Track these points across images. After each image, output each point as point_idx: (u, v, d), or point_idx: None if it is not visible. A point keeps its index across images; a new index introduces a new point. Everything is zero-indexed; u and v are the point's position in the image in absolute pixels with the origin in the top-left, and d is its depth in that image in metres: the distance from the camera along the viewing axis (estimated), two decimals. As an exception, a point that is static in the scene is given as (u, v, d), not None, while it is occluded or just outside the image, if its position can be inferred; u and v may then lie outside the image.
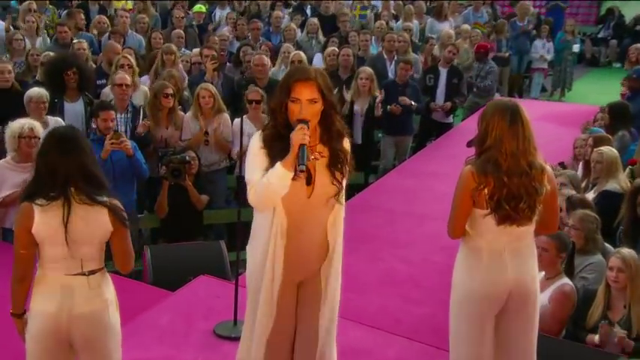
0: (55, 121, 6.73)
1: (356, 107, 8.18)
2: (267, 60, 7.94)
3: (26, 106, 6.66)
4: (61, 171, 3.25)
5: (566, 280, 4.70)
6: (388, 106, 8.48)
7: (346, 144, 3.52)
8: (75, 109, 7.07)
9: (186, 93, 7.84)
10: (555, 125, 10.08)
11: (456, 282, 3.81)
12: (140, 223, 6.85)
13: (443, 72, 9.54)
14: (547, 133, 9.67)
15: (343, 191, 3.51)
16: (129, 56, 7.67)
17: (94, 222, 3.30)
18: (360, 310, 5.26)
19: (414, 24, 12.78)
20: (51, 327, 3.32)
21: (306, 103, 3.30)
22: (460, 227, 3.74)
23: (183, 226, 6.54)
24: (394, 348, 4.75)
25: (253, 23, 10.49)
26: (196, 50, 8.95)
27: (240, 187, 7.16)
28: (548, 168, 3.68)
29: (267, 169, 3.32)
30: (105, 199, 3.33)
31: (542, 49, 13.87)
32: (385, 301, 5.45)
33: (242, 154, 6.62)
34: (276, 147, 3.33)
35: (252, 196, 3.39)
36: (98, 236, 3.34)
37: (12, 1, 12.59)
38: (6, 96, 7.21)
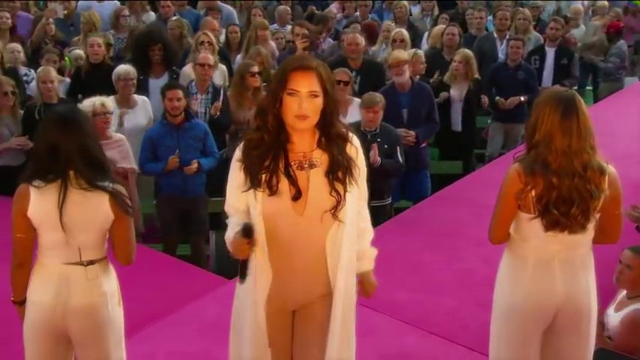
0: (142, 100, 6.85)
1: (453, 92, 7.72)
2: (361, 39, 7.62)
3: (115, 84, 6.82)
4: (61, 151, 3.18)
5: None
6: (497, 97, 8.05)
7: (351, 149, 3.07)
8: (158, 85, 7.10)
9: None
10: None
11: (497, 294, 3.51)
12: (218, 207, 6.82)
13: (550, 52, 8.85)
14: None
15: (347, 207, 3.02)
16: (209, 33, 7.63)
17: (92, 208, 3.22)
18: (426, 313, 5.02)
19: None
20: (46, 318, 3.29)
21: (306, 95, 2.88)
22: (502, 233, 3.43)
23: (257, 212, 6.44)
24: (449, 358, 4.48)
25: (362, -1, 10.29)
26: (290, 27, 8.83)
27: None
28: (610, 169, 3.28)
29: (242, 187, 2.98)
30: (106, 184, 3.25)
31: None
32: (456, 303, 5.15)
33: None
34: (255, 156, 2.96)
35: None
36: (97, 223, 3.26)
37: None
38: (96, 70, 7.43)
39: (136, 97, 6.84)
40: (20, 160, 6.45)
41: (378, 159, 6.05)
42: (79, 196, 3.19)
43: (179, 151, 5.88)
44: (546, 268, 3.34)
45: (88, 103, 5.99)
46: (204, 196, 6.13)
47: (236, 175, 3.02)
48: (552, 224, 3.23)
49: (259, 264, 3.04)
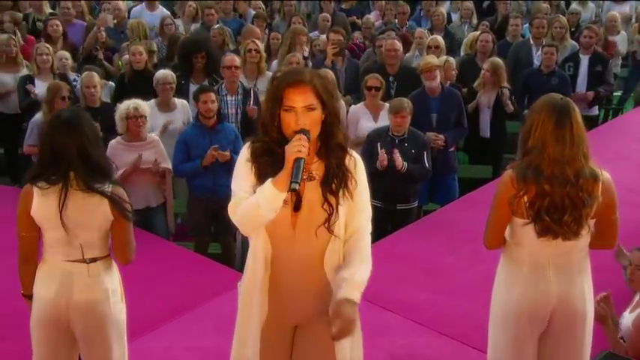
0: (181, 103, 6.93)
1: (481, 99, 7.59)
2: (399, 45, 7.58)
3: (155, 88, 6.91)
4: (63, 154, 3.22)
5: None
6: (525, 111, 7.88)
7: (349, 161, 2.92)
8: (198, 90, 7.20)
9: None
10: None
11: (494, 297, 3.46)
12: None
13: (584, 59, 8.61)
14: None
15: (341, 220, 2.89)
16: (257, 41, 7.69)
17: (91, 209, 3.25)
18: (441, 314, 4.95)
19: (590, 7, 11.84)
20: (50, 312, 3.32)
21: (302, 111, 2.75)
22: (496, 238, 3.37)
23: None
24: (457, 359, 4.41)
25: (400, 7, 10.18)
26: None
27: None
28: (604, 176, 3.19)
29: (253, 187, 2.81)
30: (106, 187, 3.26)
31: None
32: (472, 306, 5.04)
33: (358, 142, 6.53)
34: (266, 162, 2.82)
35: (234, 215, 2.85)
36: (97, 223, 3.29)
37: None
38: (139, 76, 7.53)
39: (176, 100, 6.92)
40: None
41: (405, 164, 6.01)
42: (79, 197, 3.22)
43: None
44: (541, 273, 3.27)
45: (124, 106, 6.08)
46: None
47: (247, 175, 2.86)
48: (544, 231, 3.17)
49: (260, 273, 2.93)
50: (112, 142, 6.17)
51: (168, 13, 10.27)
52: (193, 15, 10.29)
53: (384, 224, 6.34)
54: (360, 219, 3.00)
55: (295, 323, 3.08)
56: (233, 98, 6.82)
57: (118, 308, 3.43)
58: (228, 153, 5.89)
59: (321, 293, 2.96)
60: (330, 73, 6.89)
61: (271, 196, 2.71)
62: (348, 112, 6.99)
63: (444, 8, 10.88)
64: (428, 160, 6.25)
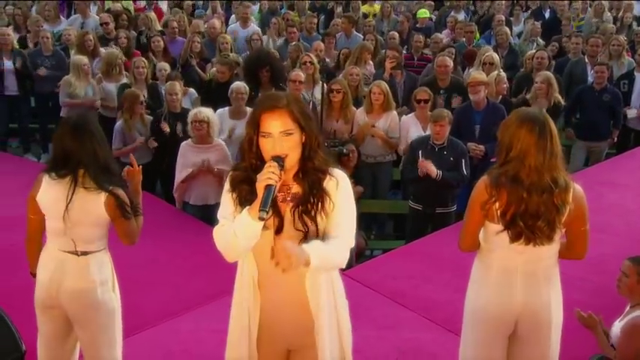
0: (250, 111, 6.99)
1: (534, 110, 7.31)
2: (449, 62, 7.48)
3: (230, 97, 7.02)
4: (73, 156, 3.25)
5: None
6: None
7: (329, 182, 2.64)
8: (267, 100, 7.27)
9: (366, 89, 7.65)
10: None
11: (466, 298, 3.33)
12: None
13: (639, 77, 8.14)
14: None
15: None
16: (311, 55, 7.77)
17: (88, 207, 3.26)
18: (457, 313, 4.63)
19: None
20: (44, 296, 3.36)
21: (279, 136, 2.54)
22: (470, 241, 3.22)
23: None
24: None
25: (467, 27, 9.92)
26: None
27: (404, 180, 6.96)
28: (576, 187, 3.04)
29: (234, 215, 2.60)
30: (108, 187, 3.27)
31: None
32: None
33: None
34: (246, 190, 2.61)
35: (218, 241, 2.63)
36: (92, 221, 3.29)
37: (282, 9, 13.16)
38: (222, 87, 7.62)
39: (247, 109, 6.97)
40: (146, 158, 6.84)
41: (439, 172, 5.86)
42: (81, 195, 3.25)
43: None
44: (508, 279, 3.12)
45: (192, 112, 6.22)
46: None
47: (229, 203, 2.68)
48: (517, 236, 3.02)
49: (249, 296, 2.72)
50: (183, 143, 6.31)
51: (258, 29, 10.41)
52: (278, 30, 10.41)
53: (423, 226, 6.24)
54: (341, 221, 2.67)
55: (288, 347, 2.86)
56: None
57: (107, 297, 3.39)
58: None
59: (308, 316, 2.72)
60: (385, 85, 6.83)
61: (246, 224, 2.51)
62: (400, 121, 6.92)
63: (517, 28, 10.59)
64: (466, 167, 6.07)
